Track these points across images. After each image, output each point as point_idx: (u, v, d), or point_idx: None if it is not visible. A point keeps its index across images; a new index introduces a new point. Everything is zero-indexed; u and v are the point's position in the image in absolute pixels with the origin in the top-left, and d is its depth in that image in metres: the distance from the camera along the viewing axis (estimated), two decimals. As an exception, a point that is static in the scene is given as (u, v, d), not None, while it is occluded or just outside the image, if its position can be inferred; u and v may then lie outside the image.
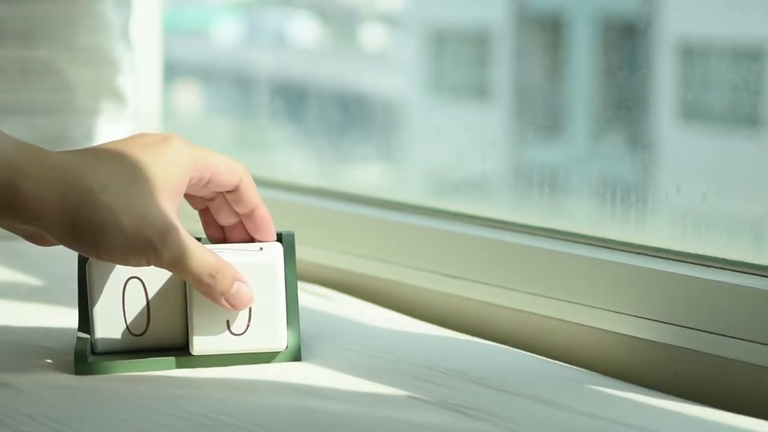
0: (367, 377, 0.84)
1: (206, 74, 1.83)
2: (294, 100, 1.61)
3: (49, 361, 0.87)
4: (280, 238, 0.90)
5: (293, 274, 0.88)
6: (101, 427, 0.75)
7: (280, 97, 1.60)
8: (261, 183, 1.33)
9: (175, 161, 0.83)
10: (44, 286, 1.11)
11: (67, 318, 0.96)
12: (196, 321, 0.85)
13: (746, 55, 1.00)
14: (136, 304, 0.86)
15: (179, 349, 0.87)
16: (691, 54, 1.10)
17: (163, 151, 0.83)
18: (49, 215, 0.79)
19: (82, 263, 0.87)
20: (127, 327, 0.86)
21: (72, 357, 0.86)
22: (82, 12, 1.30)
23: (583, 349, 0.98)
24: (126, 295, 0.86)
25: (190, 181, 0.84)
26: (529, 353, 0.96)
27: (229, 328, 0.85)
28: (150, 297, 0.86)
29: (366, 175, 1.48)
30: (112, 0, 1.32)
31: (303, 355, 0.88)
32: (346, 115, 1.54)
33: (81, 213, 0.79)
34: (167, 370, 0.86)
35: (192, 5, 1.96)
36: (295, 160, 1.58)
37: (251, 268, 0.86)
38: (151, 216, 0.80)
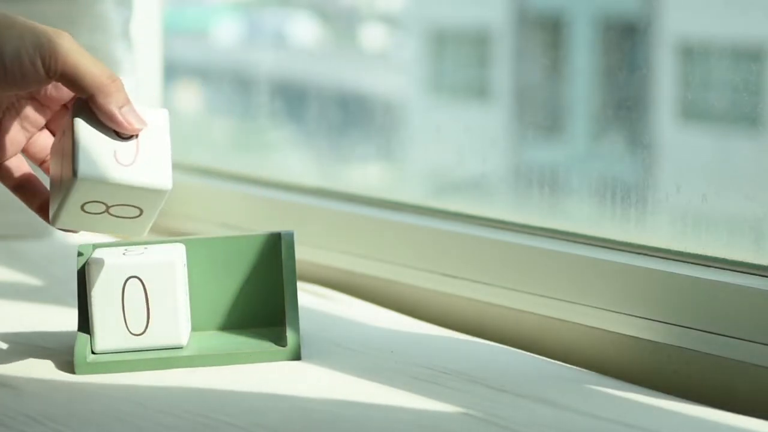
0: (367, 377, 0.84)
1: (206, 74, 1.83)
2: (294, 100, 1.61)
3: (49, 361, 0.87)
4: (280, 238, 0.90)
5: (293, 274, 0.88)
6: (101, 427, 0.75)
7: (280, 97, 1.60)
8: (261, 183, 1.34)
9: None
10: (44, 286, 1.11)
11: (67, 318, 0.96)
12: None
13: (746, 55, 1.00)
14: (135, 304, 0.86)
15: (179, 349, 0.87)
16: (691, 54, 1.10)
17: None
18: None
19: (82, 263, 0.87)
20: (127, 327, 0.86)
21: (72, 357, 0.86)
22: (82, 12, 1.30)
23: (583, 349, 0.98)
24: (125, 294, 0.86)
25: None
26: (529, 353, 0.96)
27: (117, 159, 0.81)
28: (149, 296, 0.86)
29: (366, 175, 1.48)
30: (112, 0, 1.33)
31: (303, 355, 0.88)
32: (346, 115, 1.54)
33: None
34: (167, 370, 0.86)
35: (192, 5, 1.96)
36: (295, 160, 1.58)
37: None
38: (41, 26, 0.79)
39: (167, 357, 0.86)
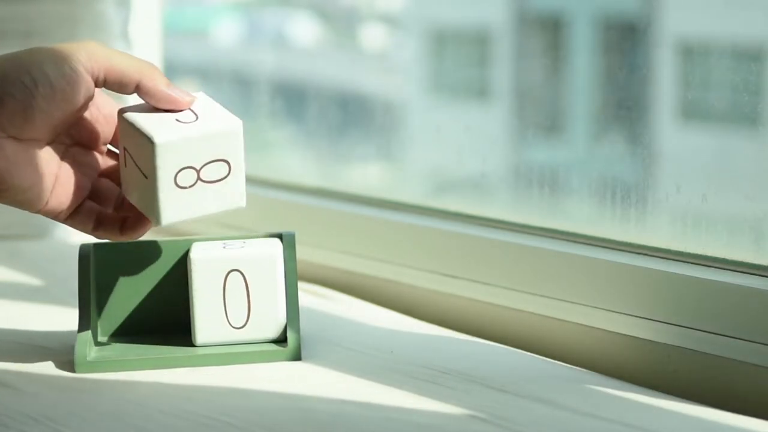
0: (367, 377, 0.84)
1: (206, 74, 1.83)
2: (294, 100, 1.61)
3: (49, 361, 0.87)
4: (280, 238, 0.90)
5: (293, 274, 0.89)
6: (101, 427, 0.75)
7: (280, 97, 1.60)
8: (261, 183, 1.34)
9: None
10: (44, 286, 1.11)
11: (67, 318, 0.96)
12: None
13: (746, 55, 1.00)
14: (236, 298, 0.87)
15: (179, 348, 0.87)
16: (691, 54, 1.10)
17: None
18: None
19: (83, 263, 0.87)
20: (228, 320, 0.87)
21: (72, 357, 0.86)
22: (82, 12, 1.30)
23: (583, 349, 0.98)
24: (227, 288, 0.87)
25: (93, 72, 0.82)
26: (529, 353, 0.96)
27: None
28: (250, 290, 0.87)
29: (366, 175, 1.48)
30: (112, 0, 1.32)
31: (303, 355, 0.88)
32: (346, 115, 1.54)
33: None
34: (167, 370, 0.86)
35: (192, 5, 1.96)
36: (295, 160, 1.58)
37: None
38: (65, 44, 0.81)
39: (167, 357, 0.86)
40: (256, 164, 1.52)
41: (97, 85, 0.82)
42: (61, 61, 0.80)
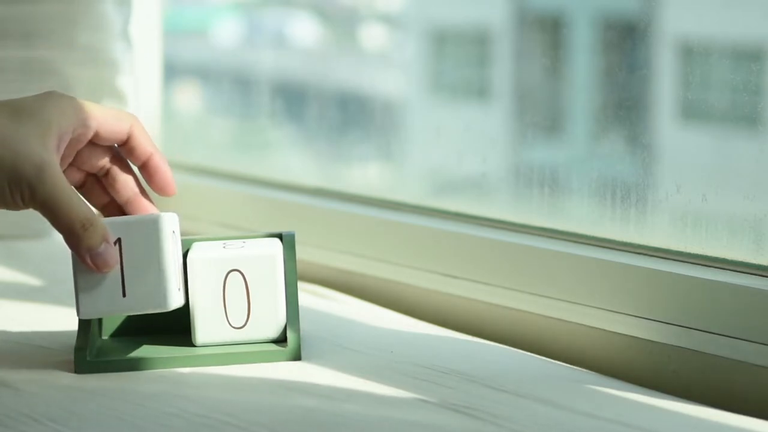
0: (367, 377, 0.84)
1: (206, 74, 1.83)
2: (294, 100, 1.60)
3: (49, 361, 0.87)
4: (280, 238, 0.90)
5: (293, 274, 0.89)
6: (101, 427, 0.75)
7: (280, 97, 1.60)
8: (261, 183, 1.34)
9: (57, 107, 0.82)
10: (44, 286, 1.11)
11: (67, 318, 0.96)
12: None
13: (746, 55, 1.00)
14: (236, 297, 0.87)
15: (179, 348, 0.87)
16: (691, 54, 1.10)
17: (45, 98, 0.82)
18: None
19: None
20: (228, 320, 0.87)
21: (72, 357, 0.86)
22: (82, 12, 1.30)
23: (583, 349, 0.98)
24: (226, 288, 0.87)
25: (74, 131, 0.83)
26: (529, 353, 0.96)
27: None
28: (250, 290, 0.87)
29: (366, 175, 1.48)
30: (112, 0, 1.32)
31: (303, 355, 0.88)
32: (346, 115, 1.54)
33: None
34: (167, 370, 0.86)
35: (192, 5, 1.96)
36: (295, 160, 1.58)
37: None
38: (28, 150, 0.80)
39: (167, 357, 0.86)
40: (256, 164, 1.52)
41: (28, 208, 0.82)
42: (2, 181, 0.80)
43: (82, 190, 0.89)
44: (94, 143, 0.86)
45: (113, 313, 0.84)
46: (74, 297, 0.84)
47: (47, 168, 0.80)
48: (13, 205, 0.81)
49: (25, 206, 0.81)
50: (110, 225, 0.83)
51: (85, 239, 0.82)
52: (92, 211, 0.83)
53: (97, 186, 0.89)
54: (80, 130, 0.84)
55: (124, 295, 0.83)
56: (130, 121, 0.86)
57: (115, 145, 0.87)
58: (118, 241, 0.83)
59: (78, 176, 0.88)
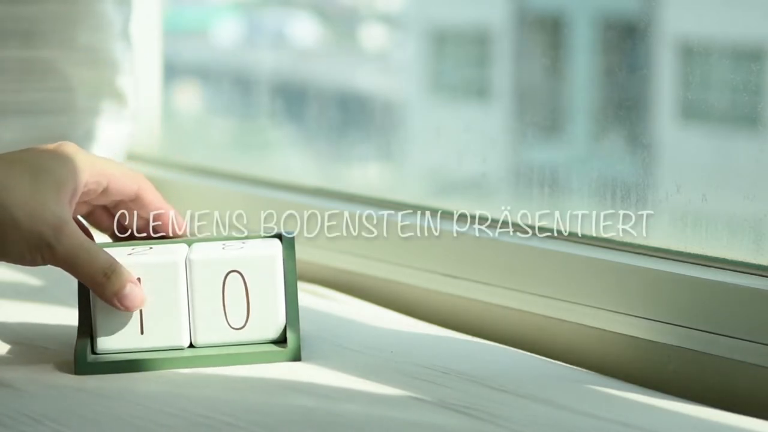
0: (367, 377, 0.84)
1: (206, 74, 1.83)
2: (294, 100, 1.60)
3: (49, 361, 0.87)
4: (279, 238, 0.90)
5: (293, 274, 0.88)
6: (101, 427, 0.75)
7: (280, 97, 1.60)
8: (261, 183, 1.34)
9: (70, 163, 0.85)
10: (44, 286, 1.11)
11: (67, 318, 0.96)
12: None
13: (746, 55, 1.00)
14: (235, 299, 0.87)
15: (179, 349, 0.87)
16: (691, 54, 1.10)
17: (59, 154, 0.85)
18: None
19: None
20: (227, 321, 0.87)
21: (72, 357, 0.86)
22: (82, 12, 1.30)
23: (583, 349, 0.98)
24: (226, 289, 0.87)
25: (86, 186, 0.86)
26: (529, 353, 0.96)
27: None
28: (249, 291, 0.87)
29: (366, 175, 1.48)
30: (112, 0, 1.32)
31: (303, 355, 0.88)
32: (346, 115, 1.54)
33: None
34: (167, 370, 0.86)
35: (192, 5, 1.96)
36: (295, 160, 1.58)
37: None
38: (45, 211, 0.82)
39: (167, 357, 0.86)
40: (256, 164, 1.52)
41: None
42: (25, 250, 0.83)
43: (89, 219, 0.91)
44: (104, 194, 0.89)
45: (129, 350, 0.86)
46: (77, 319, 0.86)
47: (64, 227, 0.83)
48: (32, 263, 0.83)
49: (44, 264, 0.84)
50: (131, 268, 0.85)
51: (108, 287, 0.84)
52: (112, 258, 0.85)
53: (105, 214, 0.92)
54: (92, 186, 0.87)
55: (141, 332, 0.85)
56: (138, 178, 0.89)
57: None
58: (138, 280, 0.86)
59: (85, 207, 0.91)
